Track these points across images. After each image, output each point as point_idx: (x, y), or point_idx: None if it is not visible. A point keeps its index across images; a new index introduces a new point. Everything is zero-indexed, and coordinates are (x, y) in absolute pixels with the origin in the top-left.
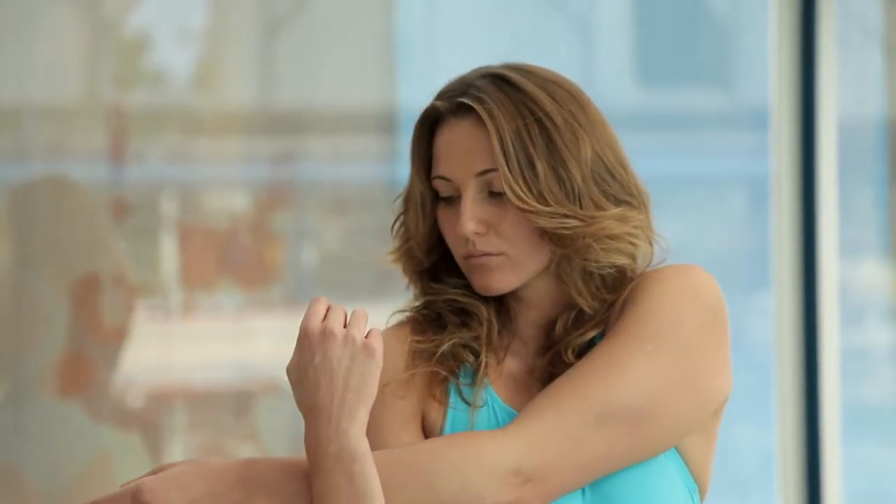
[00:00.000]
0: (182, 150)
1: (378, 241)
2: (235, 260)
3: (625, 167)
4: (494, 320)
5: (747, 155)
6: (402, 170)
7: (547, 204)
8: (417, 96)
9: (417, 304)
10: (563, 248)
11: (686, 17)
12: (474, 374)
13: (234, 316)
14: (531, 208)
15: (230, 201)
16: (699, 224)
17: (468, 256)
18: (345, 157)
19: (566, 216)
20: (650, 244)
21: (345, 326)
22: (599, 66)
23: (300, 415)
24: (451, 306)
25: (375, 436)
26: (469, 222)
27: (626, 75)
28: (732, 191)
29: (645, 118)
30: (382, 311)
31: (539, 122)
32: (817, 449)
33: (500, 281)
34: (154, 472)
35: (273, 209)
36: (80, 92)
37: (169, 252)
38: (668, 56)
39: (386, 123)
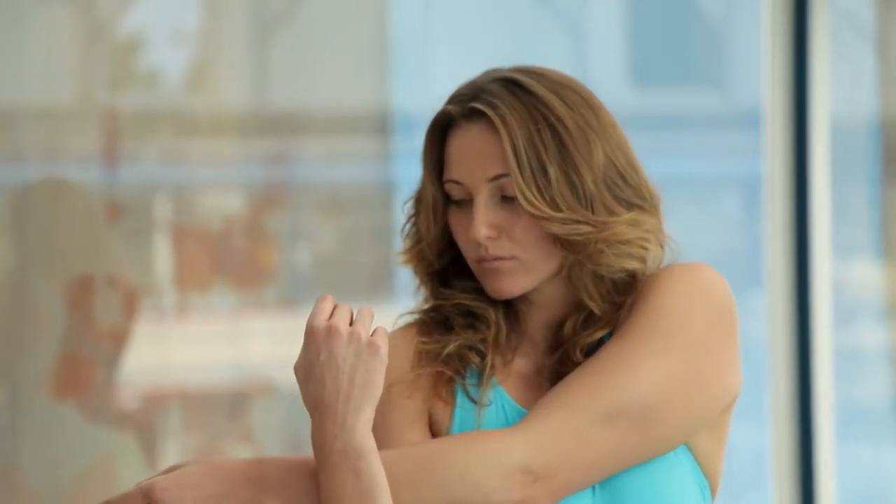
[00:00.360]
0: (176, 152)
1: (372, 241)
2: (230, 261)
3: (636, 170)
4: (503, 323)
5: (740, 155)
6: (397, 171)
7: (559, 210)
8: (411, 97)
9: (426, 306)
10: (575, 253)
11: (678, 17)
12: (481, 375)
13: (228, 317)
14: (543, 214)
15: (224, 202)
16: (692, 225)
17: (480, 260)
18: (339, 159)
19: (578, 222)
20: (661, 247)
21: (351, 325)
22: (592, 67)
23: (295, 415)
24: (459, 309)
25: (383, 436)
26: (482, 227)
27: (618, 76)
28: (725, 191)
29: (638, 119)
30: (377, 311)
31: (551, 127)
32: (811, 448)
33: (513, 285)
34: (168, 472)
35: (267, 210)
36: (74, 94)
37: (163, 253)
38: (661, 57)
39: (380, 124)
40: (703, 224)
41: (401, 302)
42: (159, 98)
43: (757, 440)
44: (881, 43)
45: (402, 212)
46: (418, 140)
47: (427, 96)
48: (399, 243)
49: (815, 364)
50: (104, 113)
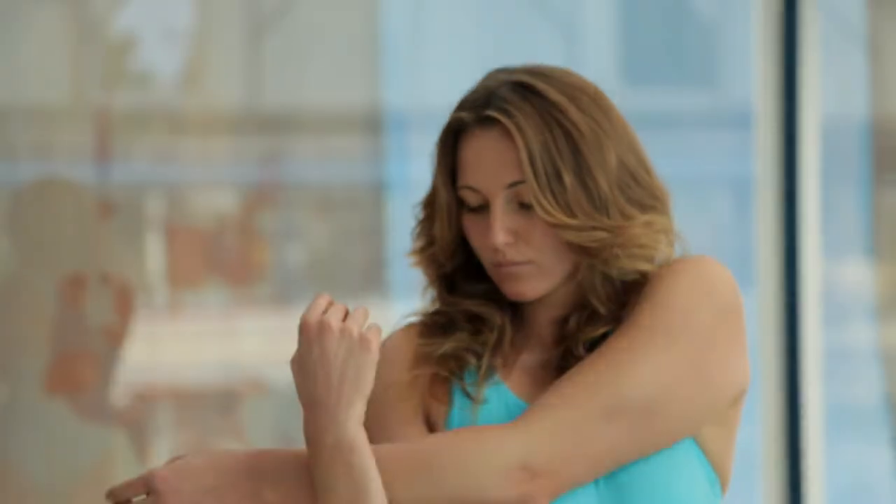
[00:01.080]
0: (168, 151)
1: (364, 240)
2: (222, 259)
3: (647, 170)
4: (508, 326)
5: (731, 155)
6: (388, 169)
7: (574, 216)
8: (403, 96)
9: (431, 310)
10: (591, 257)
11: (670, 17)
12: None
13: (220, 315)
14: (559, 222)
15: (216, 201)
16: (683, 224)
17: (498, 265)
18: (331, 157)
19: (594, 228)
20: (671, 245)
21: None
22: (584, 66)
23: (286, 413)
24: (464, 314)
25: (381, 436)
26: (499, 234)
27: (610, 75)
28: (716, 191)
29: (629, 118)
30: (369, 309)
31: (566, 132)
32: (800, 446)
33: (532, 289)
34: (170, 462)
35: (259, 209)
36: (67, 92)
37: (155, 252)
38: (653, 56)
39: (371, 123)
40: (694, 224)
41: (392, 300)
42: (152, 97)
43: (747, 438)
44: (872, 44)
45: (413, 214)
46: (410, 139)
47: (419, 95)
48: (390, 241)
49: (805, 363)
50: (97, 111)
